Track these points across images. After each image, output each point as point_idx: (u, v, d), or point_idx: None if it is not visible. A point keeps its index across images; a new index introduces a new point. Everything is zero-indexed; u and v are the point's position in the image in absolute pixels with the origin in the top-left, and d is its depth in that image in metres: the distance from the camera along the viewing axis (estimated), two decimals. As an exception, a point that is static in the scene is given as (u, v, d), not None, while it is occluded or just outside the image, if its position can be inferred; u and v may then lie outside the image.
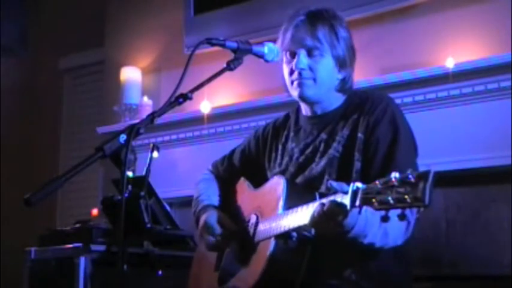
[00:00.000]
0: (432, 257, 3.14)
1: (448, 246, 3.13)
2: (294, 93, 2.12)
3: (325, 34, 2.08)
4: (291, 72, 2.11)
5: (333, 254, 1.90)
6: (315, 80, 2.08)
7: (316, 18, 2.10)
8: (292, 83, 2.11)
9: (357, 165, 1.99)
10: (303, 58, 2.08)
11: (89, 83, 5.34)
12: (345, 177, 1.97)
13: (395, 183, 1.47)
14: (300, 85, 2.09)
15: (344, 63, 2.11)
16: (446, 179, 3.11)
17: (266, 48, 2.07)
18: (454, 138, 3.09)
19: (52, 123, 5.44)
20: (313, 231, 1.83)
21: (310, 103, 2.14)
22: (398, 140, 1.98)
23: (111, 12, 4.84)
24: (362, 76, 3.34)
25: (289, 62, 2.12)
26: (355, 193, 1.59)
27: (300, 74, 2.08)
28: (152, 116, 1.84)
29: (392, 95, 3.14)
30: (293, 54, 2.10)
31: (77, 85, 5.43)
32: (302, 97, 2.11)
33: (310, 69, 2.08)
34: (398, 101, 3.18)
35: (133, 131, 1.75)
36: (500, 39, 3.05)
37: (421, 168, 1.95)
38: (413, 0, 3.34)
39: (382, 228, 1.81)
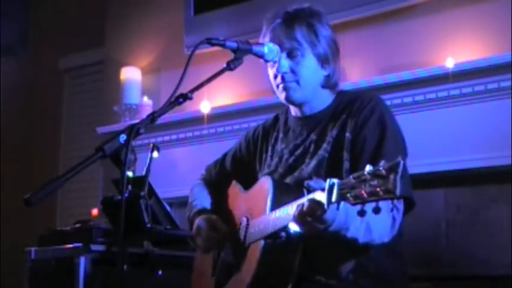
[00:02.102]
0: (432, 257, 3.14)
1: (448, 246, 3.13)
2: (281, 96, 2.13)
3: (304, 34, 2.08)
4: (275, 77, 2.11)
5: (326, 252, 1.90)
6: (298, 82, 2.08)
7: (292, 19, 2.10)
8: (277, 87, 2.12)
9: (346, 165, 1.99)
10: (283, 62, 2.08)
11: (89, 83, 5.33)
12: (335, 177, 1.97)
13: (368, 177, 1.49)
14: (285, 89, 2.10)
15: (326, 59, 2.10)
16: (446, 179, 3.12)
17: (266, 48, 2.06)
18: (454, 138, 3.09)
19: (52, 123, 5.44)
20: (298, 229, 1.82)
21: (298, 105, 2.14)
22: (385, 138, 1.97)
23: (111, 12, 4.84)
24: (362, 76, 3.35)
25: (272, 66, 2.12)
26: (331, 188, 1.60)
27: (282, 77, 2.08)
28: (152, 116, 1.83)
29: (392, 95, 3.19)
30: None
31: (77, 85, 5.43)
32: (289, 100, 2.12)
33: (293, 71, 2.08)
34: (398, 101, 3.20)
35: (133, 131, 1.75)
36: (500, 39, 3.05)
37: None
38: (413, 0, 3.34)
39: (365, 223, 1.81)
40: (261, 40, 2.13)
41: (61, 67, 5.46)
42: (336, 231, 1.77)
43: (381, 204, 1.49)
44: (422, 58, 3.28)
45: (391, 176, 1.44)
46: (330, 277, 1.96)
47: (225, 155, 2.44)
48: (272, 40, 2.09)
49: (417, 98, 3.21)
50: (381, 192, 1.46)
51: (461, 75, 3.06)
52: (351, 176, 1.54)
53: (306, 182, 1.73)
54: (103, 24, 4.85)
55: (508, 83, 2.96)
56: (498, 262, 2.96)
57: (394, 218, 1.90)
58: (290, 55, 2.08)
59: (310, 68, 2.09)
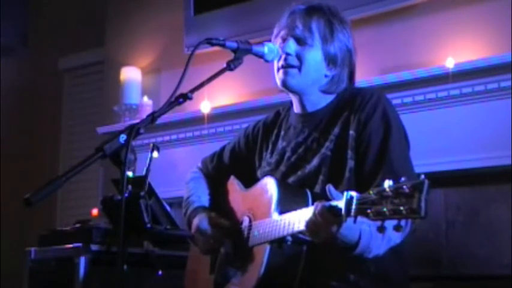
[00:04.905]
0: (432, 257, 3.14)
1: (448, 246, 3.13)
2: (278, 81, 2.11)
3: (320, 27, 2.08)
4: (279, 58, 2.09)
5: (329, 254, 1.89)
6: (299, 69, 2.07)
7: (315, 10, 2.10)
8: (278, 70, 2.10)
9: (350, 163, 1.98)
10: (291, 44, 2.07)
11: (89, 83, 5.34)
12: (338, 176, 1.97)
13: (390, 194, 1.46)
14: (284, 73, 2.08)
15: (333, 61, 2.08)
16: (446, 179, 3.12)
17: (266, 48, 2.06)
18: (454, 138, 3.09)
19: (52, 123, 5.44)
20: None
21: (293, 92, 2.12)
22: (390, 135, 1.97)
23: (111, 12, 4.84)
24: (362, 76, 3.35)
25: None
26: (349, 202, 1.58)
27: (285, 59, 2.07)
28: (152, 116, 1.84)
29: (392, 95, 3.17)
30: (284, 41, 2.09)
31: (77, 85, 5.43)
32: (285, 85, 2.09)
33: (297, 57, 2.07)
34: (398, 101, 3.20)
35: (133, 131, 1.76)
36: (500, 39, 3.05)
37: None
38: (413, 0, 3.35)
39: (387, 238, 1.80)
40: (276, 25, 2.14)
41: (61, 67, 5.46)
42: (360, 254, 1.77)
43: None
44: (422, 58, 3.28)
45: (416, 195, 1.42)
46: (332, 279, 1.95)
47: (223, 149, 2.42)
48: (287, 23, 2.09)
49: (417, 98, 3.21)
50: (404, 212, 1.43)
51: (461, 75, 3.06)
52: (371, 191, 1.52)
53: (327, 187, 1.70)
54: (103, 24, 4.85)
55: (508, 83, 2.96)
56: (498, 262, 2.96)
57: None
58: (300, 42, 2.07)
59: (315, 59, 2.07)
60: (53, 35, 5.48)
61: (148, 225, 2.87)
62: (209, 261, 2.24)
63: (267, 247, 1.91)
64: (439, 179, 3.09)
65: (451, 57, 3.07)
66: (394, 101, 3.17)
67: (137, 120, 1.95)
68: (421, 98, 3.20)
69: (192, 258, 2.39)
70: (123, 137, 1.74)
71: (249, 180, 2.19)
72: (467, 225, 3.09)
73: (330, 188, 1.69)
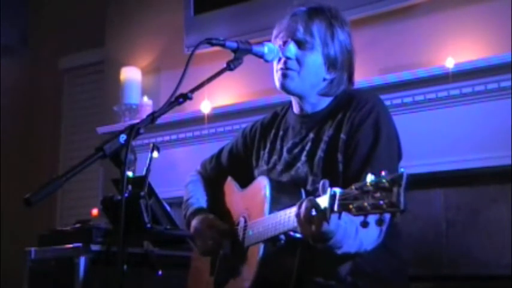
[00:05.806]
0: (432, 257, 3.14)
1: (448, 246, 3.13)
2: (277, 83, 2.10)
3: (320, 30, 2.06)
4: (278, 60, 2.09)
5: (324, 253, 1.89)
6: (299, 73, 2.06)
7: (315, 13, 2.09)
8: (277, 72, 2.10)
9: (340, 167, 1.97)
10: (291, 47, 2.06)
11: (89, 83, 5.34)
12: (330, 178, 1.95)
13: (371, 188, 1.46)
14: (283, 76, 2.07)
15: (334, 64, 2.08)
16: (446, 179, 3.12)
17: (266, 48, 2.05)
18: (454, 138, 3.09)
19: (52, 123, 5.44)
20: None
21: (293, 95, 2.12)
22: (378, 145, 1.95)
23: (111, 12, 4.84)
24: (362, 76, 3.35)
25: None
26: (332, 198, 1.57)
27: (285, 63, 2.06)
28: (152, 116, 1.84)
29: (392, 95, 3.19)
30: (284, 44, 2.08)
31: (77, 85, 5.43)
32: (284, 88, 2.09)
33: (298, 61, 2.06)
34: (398, 101, 3.20)
35: (133, 131, 1.75)
36: (500, 39, 3.06)
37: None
38: (413, 0, 3.35)
39: (358, 240, 1.80)
40: (276, 26, 2.13)
41: (61, 67, 5.46)
42: (330, 247, 1.76)
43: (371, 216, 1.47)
44: (422, 58, 3.28)
45: (395, 189, 1.42)
46: (329, 278, 1.95)
47: (221, 150, 2.42)
48: (288, 25, 2.08)
49: (417, 98, 3.21)
50: (384, 206, 1.43)
51: (461, 75, 3.06)
52: (353, 186, 1.52)
53: (322, 181, 1.69)
54: (103, 24, 4.85)
55: (508, 83, 2.97)
56: (498, 262, 2.96)
57: (380, 229, 1.86)
58: (300, 46, 2.06)
59: (315, 63, 2.07)
60: (53, 35, 5.48)
61: (148, 225, 2.88)
62: (209, 267, 2.24)
63: (261, 247, 1.92)
64: (439, 179, 3.11)
65: (451, 57, 3.07)
66: (394, 101, 3.18)
67: (137, 120, 1.95)
68: (421, 98, 3.20)
69: (196, 258, 2.39)
70: (123, 137, 1.74)
71: (247, 180, 2.20)
72: (467, 225, 3.09)
73: (324, 182, 1.66)
